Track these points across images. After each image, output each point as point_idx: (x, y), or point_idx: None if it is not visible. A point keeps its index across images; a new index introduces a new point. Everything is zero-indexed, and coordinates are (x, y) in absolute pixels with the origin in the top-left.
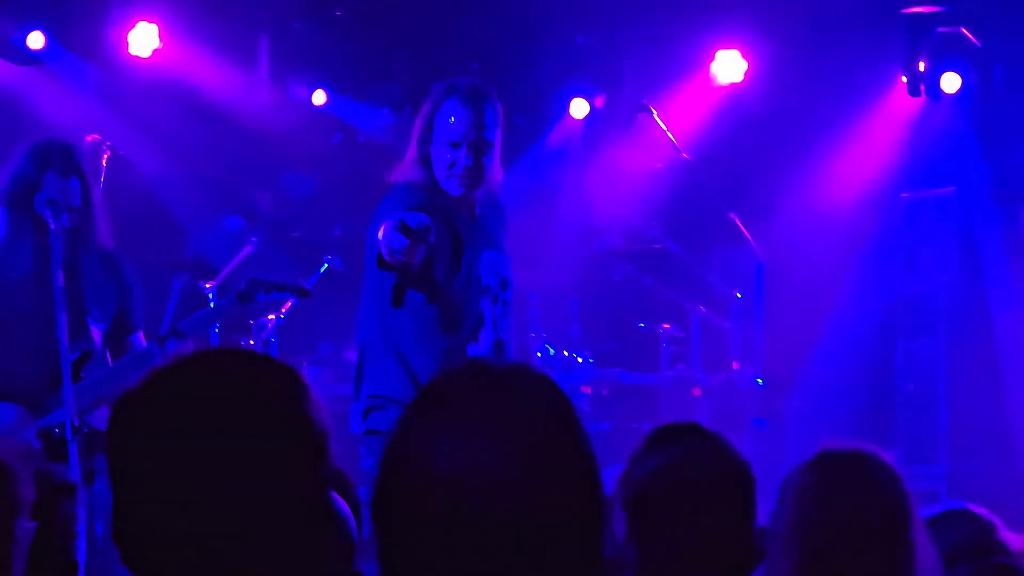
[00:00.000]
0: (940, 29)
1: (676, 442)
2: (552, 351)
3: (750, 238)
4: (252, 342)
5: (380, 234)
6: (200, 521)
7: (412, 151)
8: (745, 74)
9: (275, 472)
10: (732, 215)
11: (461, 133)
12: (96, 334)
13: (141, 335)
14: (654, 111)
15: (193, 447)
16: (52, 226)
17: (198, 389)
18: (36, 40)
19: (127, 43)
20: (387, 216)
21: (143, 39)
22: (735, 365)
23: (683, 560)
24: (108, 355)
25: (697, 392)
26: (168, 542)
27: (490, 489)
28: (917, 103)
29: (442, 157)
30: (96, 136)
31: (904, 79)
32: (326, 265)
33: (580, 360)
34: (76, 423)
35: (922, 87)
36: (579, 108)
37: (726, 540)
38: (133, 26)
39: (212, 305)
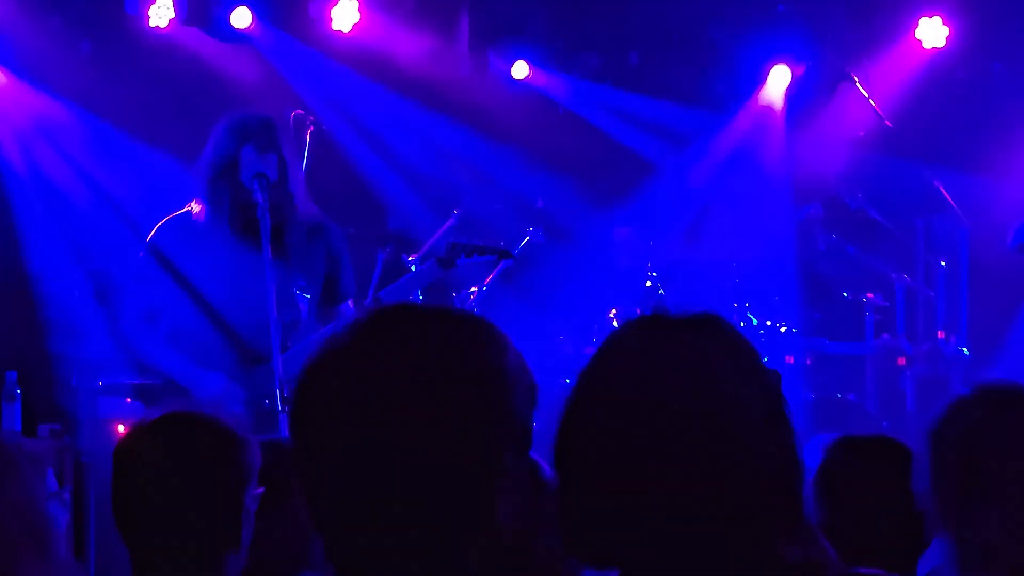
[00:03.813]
0: None
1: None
2: (755, 320)
3: (955, 205)
4: None
5: None
6: (384, 488)
7: None
8: (947, 39)
9: (466, 439)
10: (936, 182)
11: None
12: (303, 305)
13: (351, 303)
14: (856, 79)
15: (376, 414)
16: (260, 200)
17: (377, 354)
18: (242, 17)
19: (330, 19)
20: None
21: (346, 14)
22: (940, 334)
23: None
24: (317, 324)
25: (902, 361)
26: (351, 509)
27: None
28: None
29: None
30: (300, 111)
31: None
32: (528, 238)
33: (784, 329)
34: (286, 394)
35: None
36: (781, 76)
37: None
38: (336, 2)
39: (414, 272)
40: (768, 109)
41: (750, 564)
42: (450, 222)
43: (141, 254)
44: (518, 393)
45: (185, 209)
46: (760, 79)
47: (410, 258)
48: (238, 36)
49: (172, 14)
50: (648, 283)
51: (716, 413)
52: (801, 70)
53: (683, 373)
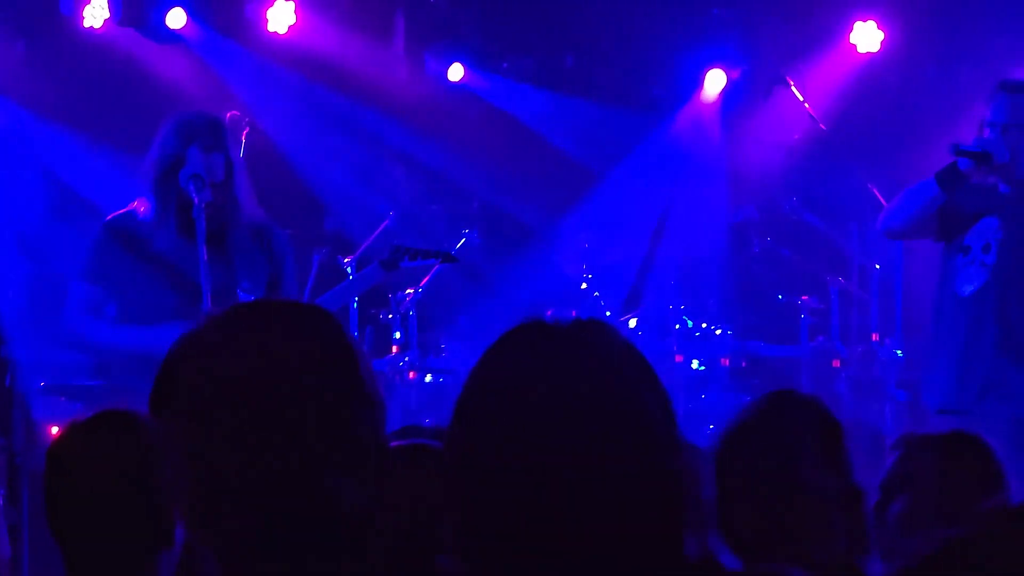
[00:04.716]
0: None
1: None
2: (691, 323)
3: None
4: (391, 316)
5: None
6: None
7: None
8: (882, 44)
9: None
10: (871, 185)
11: None
12: None
13: None
14: (791, 82)
15: (238, 400)
16: (196, 201)
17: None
18: (177, 18)
19: (266, 20)
20: None
21: (282, 15)
22: (875, 336)
23: None
24: None
25: (837, 364)
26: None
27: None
28: None
29: None
30: (236, 112)
31: None
32: (464, 239)
33: (719, 332)
34: None
35: None
36: (716, 80)
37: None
38: (272, 3)
39: (353, 276)
40: (704, 112)
41: (651, 563)
42: (386, 223)
43: (84, 252)
44: (366, 375)
45: (129, 208)
46: (696, 82)
47: (346, 260)
48: (173, 37)
49: (107, 15)
50: (584, 285)
51: (603, 417)
52: (736, 73)
53: (565, 379)
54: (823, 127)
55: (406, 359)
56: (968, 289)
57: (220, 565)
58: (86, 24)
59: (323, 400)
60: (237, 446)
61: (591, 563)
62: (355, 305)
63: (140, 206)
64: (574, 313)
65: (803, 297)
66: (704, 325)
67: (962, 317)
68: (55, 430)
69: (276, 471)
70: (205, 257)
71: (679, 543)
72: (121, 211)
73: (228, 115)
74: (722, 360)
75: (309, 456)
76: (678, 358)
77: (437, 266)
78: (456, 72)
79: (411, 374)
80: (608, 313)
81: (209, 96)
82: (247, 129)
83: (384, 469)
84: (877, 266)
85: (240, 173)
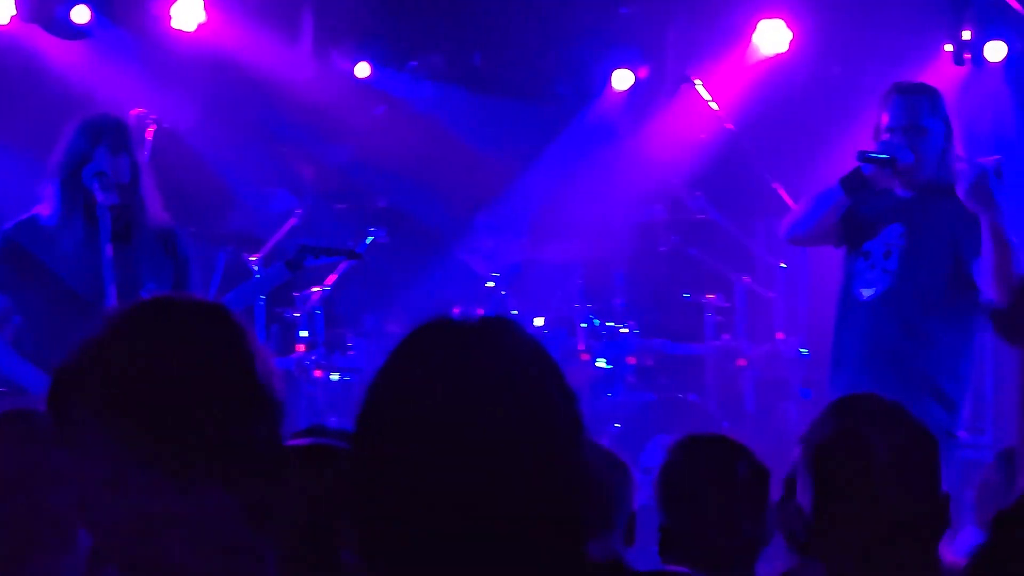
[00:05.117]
0: None
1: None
2: (597, 321)
3: (794, 207)
4: (297, 314)
5: None
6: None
7: None
8: (790, 44)
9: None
10: (776, 185)
11: None
12: None
13: None
14: (698, 81)
15: (139, 397)
16: (100, 199)
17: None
18: (81, 14)
19: (173, 17)
20: None
21: (188, 12)
22: (780, 335)
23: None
24: None
25: (742, 362)
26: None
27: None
28: (962, 72)
29: None
30: (141, 110)
31: (949, 48)
32: (371, 238)
33: (625, 331)
34: None
35: (967, 56)
36: (622, 79)
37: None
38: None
39: (259, 275)
40: (611, 111)
41: (551, 562)
42: (293, 221)
43: None
44: (262, 374)
45: (32, 212)
46: (603, 81)
47: (252, 258)
48: (79, 33)
49: (13, 11)
50: (490, 283)
51: (507, 415)
52: (644, 72)
53: (469, 377)
54: (729, 126)
55: (312, 358)
56: (869, 294)
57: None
58: None
59: (215, 400)
60: (131, 445)
61: (491, 561)
62: (261, 303)
63: (43, 209)
64: (481, 311)
65: (709, 296)
66: (610, 324)
67: (863, 321)
68: None
69: (167, 471)
70: (110, 256)
71: (580, 542)
72: (23, 217)
73: (133, 113)
74: (628, 359)
75: (199, 456)
76: (584, 356)
77: (343, 264)
78: (363, 70)
79: (317, 373)
80: (515, 311)
81: (114, 93)
82: (153, 127)
83: (280, 470)
84: (783, 265)
85: (146, 175)
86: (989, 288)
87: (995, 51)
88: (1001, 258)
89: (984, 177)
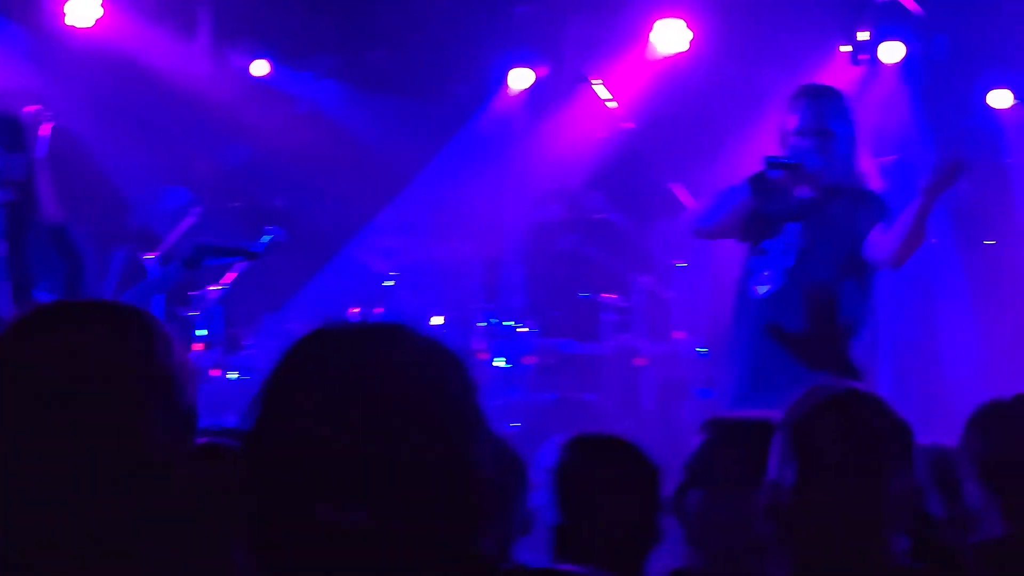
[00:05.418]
0: None
1: None
2: (495, 321)
3: (693, 207)
4: (194, 313)
5: None
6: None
7: None
8: (690, 43)
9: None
10: (674, 184)
11: None
12: None
13: None
14: (596, 81)
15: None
16: None
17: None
18: None
19: (65, 13)
20: None
21: (83, 8)
22: (678, 335)
23: None
24: None
25: (640, 362)
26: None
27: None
28: (859, 72)
29: None
30: (36, 107)
31: (847, 48)
32: (269, 237)
33: (523, 330)
34: None
35: (864, 57)
36: (520, 78)
37: None
38: None
39: (158, 274)
40: (510, 110)
41: (443, 561)
42: (190, 220)
43: None
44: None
45: None
46: (500, 80)
47: (149, 257)
48: None
49: None
50: (389, 283)
51: (399, 416)
52: (542, 71)
53: (361, 378)
54: (628, 126)
55: (210, 356)
56: (764, 291)
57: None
58: None
59: (117, 406)
60: (33, 451)
61: (383, 558)
62: (159, 302)
63: None
64: (379, 311)
65: (607, 295)
66: (508, 323)
67: (757, 318)
68: None
69: (68, 477)
70: (4, 254)
71: (475, 540)
72: None
73: (29, 110)
74: (526, 358)
75: (97, 461)
76: (482, 356)
77: (241, 263)
78: (261, 68)
79: (215, 371)
80: (413, 311)
81: (8, 90)
82: (49, 124)
83: (171, 469)
84: (681, 264)
85: (41, 173)
86: (884, 252)
87: (892, 52)
88: (913, 236)
89: (955, 169)
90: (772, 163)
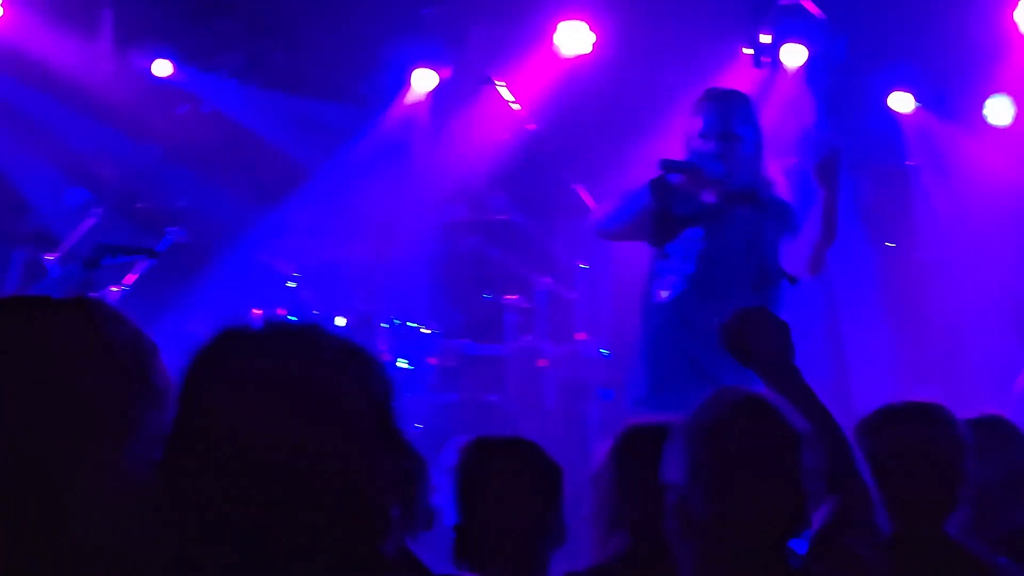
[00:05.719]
0: (783, 1)
1: None
2: (398, 321)
3: (595, 208)
4: None
5: None
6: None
7: None
8: (593, 45)
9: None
10: (577, 186)
11: None
12: None
13: None
14: (500, 82)
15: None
16: None
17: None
18: None
19: None
20: None
21: None
22: (581, 336)
23: None
24: None
25: (543, 363)
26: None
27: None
28: (761, 75)
29: None
30: None
31: (748, 51)
32: (172, 237)
33: (427, 331)
34: None
35: (767, 59)
36: (424, 79)
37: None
38: None
39: (58, 274)
40: (414, 111)
41: (350, 561)
42: (91, 221)
43: None
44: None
45: None
46: (404, 80)
47: (49, 257)
48: None
49: None
50: (292, 283)
51: (304, 417)
52: (446, 72)
53: (266, 381)
54: (531, 127)
55: None
56: (665, 295)
57: None
58: None
59: (103, 392)
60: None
61: (290, 559)
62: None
63: None
64: (282, 312)
65: (509, 296)
66: (411, 324)
67: (660, 322)
68: None
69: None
70: None
71: (379, 541)
72: None
73: None
74: (429, 359)
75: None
76: (385, 357)
77: (142, 264)
78: (164, 68)
79: None
80: (316, 311)
81: None
82: None
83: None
84: (583, 266)
85: None
86: (800, 262)
87: (794, 55)
88: (824, 236)
89: (835, 155)
90: (667, 165)
